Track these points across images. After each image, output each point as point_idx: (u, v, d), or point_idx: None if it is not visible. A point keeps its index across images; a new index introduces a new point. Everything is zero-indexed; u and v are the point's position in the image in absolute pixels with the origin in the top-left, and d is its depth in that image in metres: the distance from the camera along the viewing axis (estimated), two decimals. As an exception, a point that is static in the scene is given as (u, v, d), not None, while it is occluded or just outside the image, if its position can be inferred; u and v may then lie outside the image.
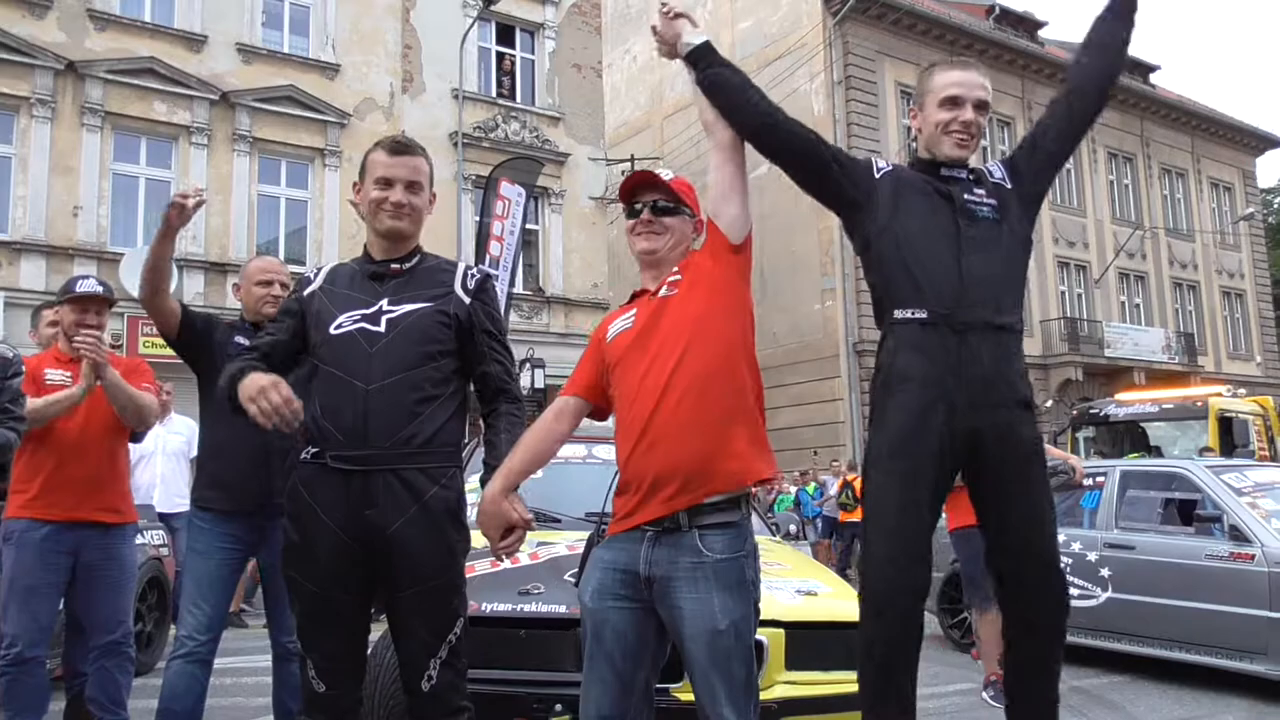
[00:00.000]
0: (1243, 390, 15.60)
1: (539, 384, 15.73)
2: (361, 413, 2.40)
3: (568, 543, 3.64)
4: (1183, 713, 5.24)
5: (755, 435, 2.33)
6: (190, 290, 14.47)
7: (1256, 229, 31.02)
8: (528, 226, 16.56)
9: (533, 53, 18.56)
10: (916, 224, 2.48)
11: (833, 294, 21.26)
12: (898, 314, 2.46)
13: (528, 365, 15.52)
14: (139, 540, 5.83)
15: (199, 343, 3.49)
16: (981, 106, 2.55)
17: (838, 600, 3.42)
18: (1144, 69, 28.61)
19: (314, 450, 2.44)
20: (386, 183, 2.54)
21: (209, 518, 3.39)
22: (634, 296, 2.51)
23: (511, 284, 14.84)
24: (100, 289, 3.72)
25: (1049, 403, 22.31)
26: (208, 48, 15.04)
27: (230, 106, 15.03)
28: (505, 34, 18.30)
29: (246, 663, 5.94)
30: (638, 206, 2.49)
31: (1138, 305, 27.11)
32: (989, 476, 2.41)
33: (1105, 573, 6.19)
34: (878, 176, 2.55)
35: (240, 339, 3.49)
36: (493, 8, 15.75)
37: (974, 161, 2.60)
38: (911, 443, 2.36)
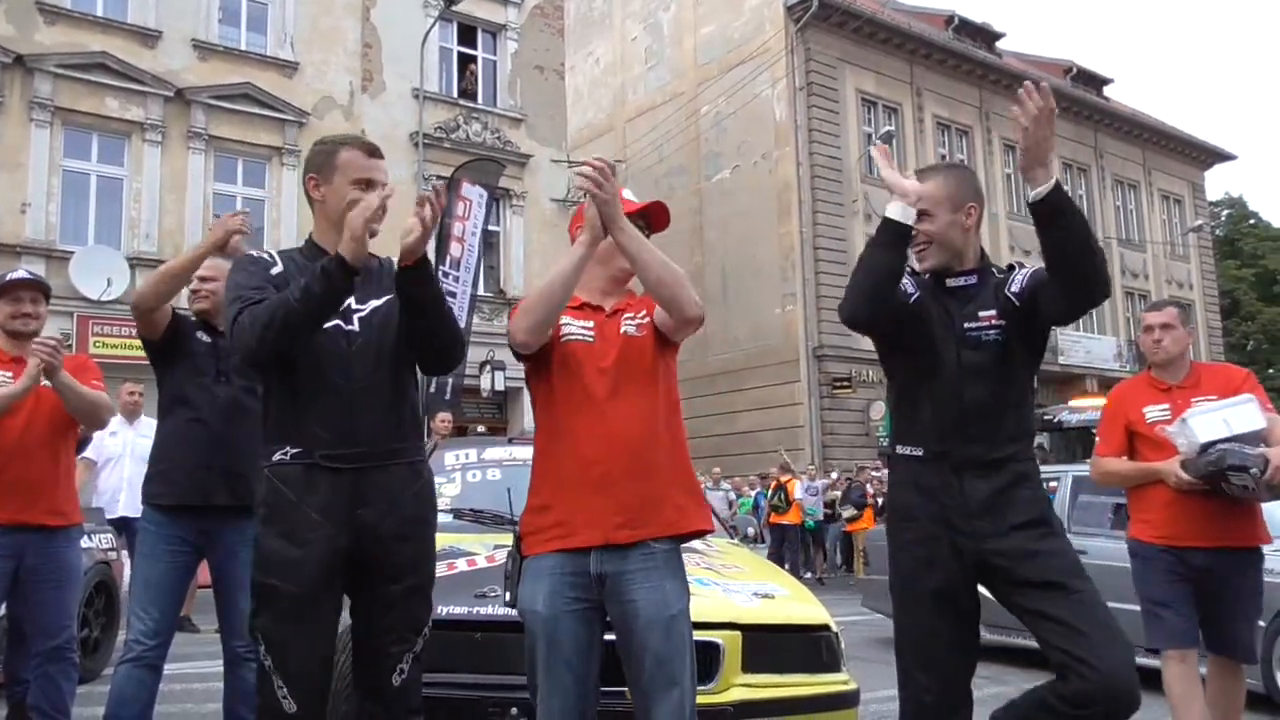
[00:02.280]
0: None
1: (499, 386, 15.66)
2: (349, 412, 2.39)
3: (524, 546, 3.61)
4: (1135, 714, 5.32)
5: (693, 488, 2.49)
6: (143, 289, 14.22)
7: (1205, 241, 31.72)
8: (489, 228, 16.49)
9: (494, 54, 18.48)
10: (924, 360, 2.53)
11: (793, 299, 21.38)
12: (899, 449, 2.60)
13: (488, 367, 15.44)
14: (86, 544, 5.72)
15: (179, 341, 3.45)
16: (921, 216, 2.49)
17: (794, 603, 3.43)
18: (1098, 82, 29.16)
19: (295, 450, 2.37)
20: (369, 184, 2.49)
21: (156, 518, 3.34)
22: (582, 305, 2.51)
23: (474, 286, 14.77)
24: (29, 276, 3.67)
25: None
26: (162, 44, 14.78)
27: (185, 104, 14.79)
28: (467, 34, 18.20)
29: (196, 668, 5.84)
30: (641, 225, 2.47)
31: (1091, 314, 27.60)
32: (1013, 598, 2.43)
33: (1057, 576, 6.28)
34: (909, 303, 2.56)
35: (201, 334, 3.50)
36: (454, 8, 15.66)
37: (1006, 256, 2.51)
38: (920, 582, 2.48)
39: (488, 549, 3.67)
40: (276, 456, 2.38)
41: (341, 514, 2.35)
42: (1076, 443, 14.85)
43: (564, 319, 2.46)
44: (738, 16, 22.95)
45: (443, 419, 8.99)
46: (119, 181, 14.47)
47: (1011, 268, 2.60)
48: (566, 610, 2.29)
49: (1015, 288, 2.50)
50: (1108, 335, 27.16)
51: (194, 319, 3.58)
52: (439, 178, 16.04)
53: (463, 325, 14.42)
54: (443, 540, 3.85)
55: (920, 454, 2.51)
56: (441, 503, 4.33)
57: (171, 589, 3.32)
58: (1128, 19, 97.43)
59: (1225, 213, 40.09)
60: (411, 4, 17.01)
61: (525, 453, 4.67)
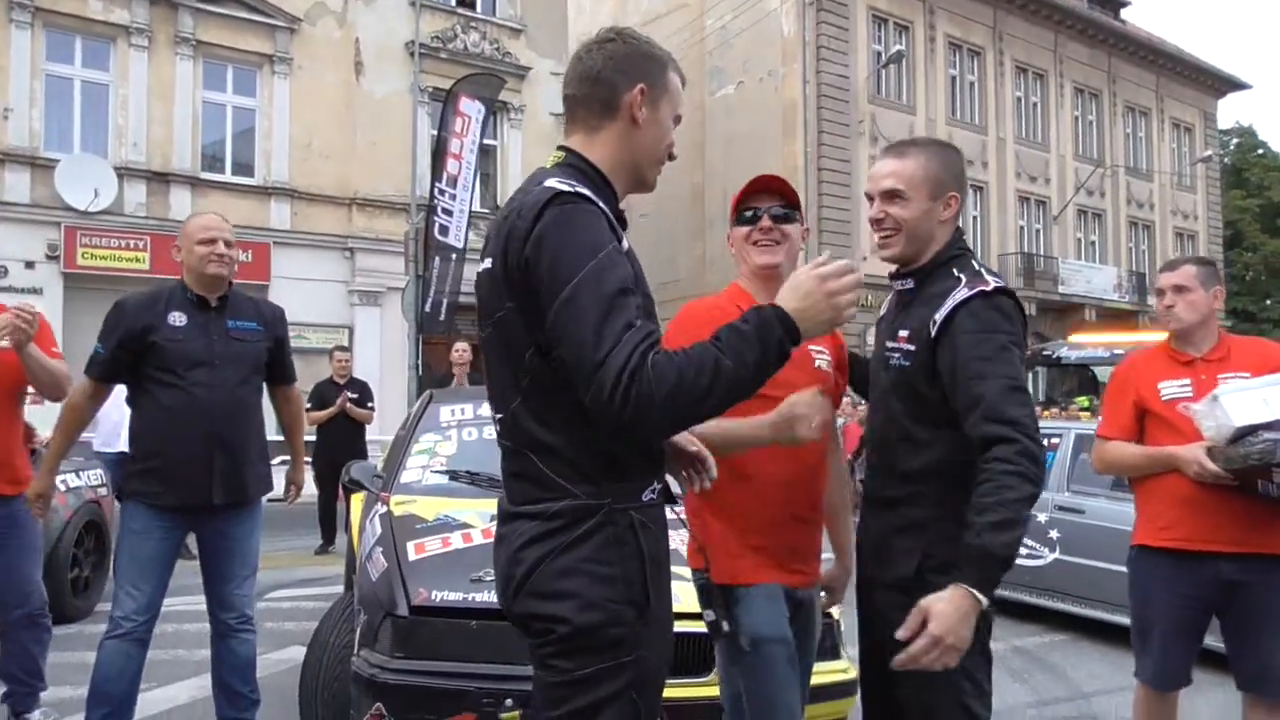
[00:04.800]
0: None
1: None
2: None
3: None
4: (1122, 679, 5.34)
5: None
6: (131, 201, 13.91)
7: (1213, 171, 31.29)
8: (486, 142, 16.09)
9: (494, -40, 17.81)
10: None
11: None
12: None
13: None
14: (75, 482, 5.65)
15: (134, 358, 3.18)
16: (889, 195, 2.14)
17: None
18: (1114, 4, 28.31)
19: (660, 487, 1.72)
20: (677, 120, 1.82)
21: (147, 509, 3.21)
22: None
23: (471, 202, 14.47)
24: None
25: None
26: (148, -60, 14.17)
27: (172, 7, 14.26)
28: (466, -62, 17.51)
29: (189, 605, 5.78)
30: (751, 213, 2.34)
31: (1093, 243, 27.34)
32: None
33: (1054, 534, 6.26)
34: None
35: (176, 316, 3.20)
36: (453, -89, 15.00)
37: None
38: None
39: (484, 520, 3.56)
40: (647, 496, 1.67)
41: None
42: (1074, 379, 14.80)
43: None
44: (747, -75, 22.07)
45: (460, 349, 7.89)
46: (104, 88, 14.02)
47: (963, 276, 2.08)
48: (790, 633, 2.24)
49: (940, 314, 2.04)
50: (1109, 265, 26.94)
51: (183, 291, 3.27)
52: (436, 89, 15.59)
53: (460, 244, 14.18)
54: (437, 507, 3.79)
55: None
56: (436, 463, 4.29)
57: (163, 564, 3.23)
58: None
59: (1234, 141, 39.43)
60: (408, -96, 16.29)
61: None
